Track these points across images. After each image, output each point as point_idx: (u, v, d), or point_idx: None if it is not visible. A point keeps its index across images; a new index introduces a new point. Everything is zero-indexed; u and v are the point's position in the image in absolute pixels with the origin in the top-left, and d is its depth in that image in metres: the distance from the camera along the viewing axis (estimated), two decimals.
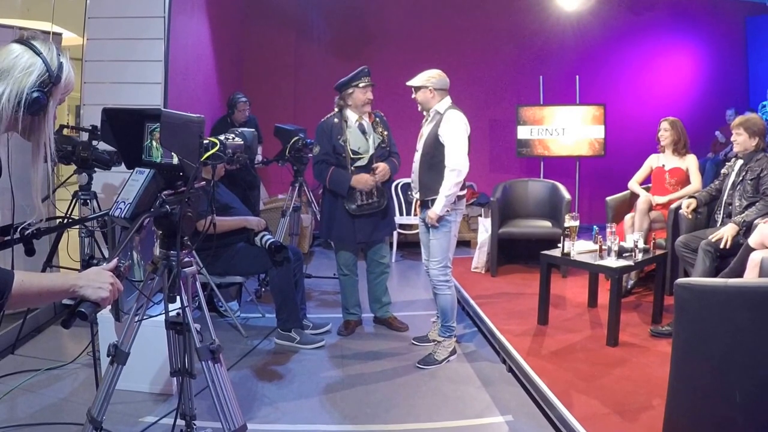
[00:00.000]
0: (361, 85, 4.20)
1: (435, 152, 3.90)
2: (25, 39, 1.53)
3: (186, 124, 2.07)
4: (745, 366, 2.33)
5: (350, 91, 4.24)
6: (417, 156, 4.05)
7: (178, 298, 2.21)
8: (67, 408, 3.15)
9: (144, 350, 2.67)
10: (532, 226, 5.77)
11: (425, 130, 4.00)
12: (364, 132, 4.28)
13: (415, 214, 4.34)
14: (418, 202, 4.12)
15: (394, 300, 4.76)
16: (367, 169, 4.26)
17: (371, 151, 4.27)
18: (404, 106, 4.59)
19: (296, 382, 3.66)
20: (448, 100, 3.96)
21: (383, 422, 3.18)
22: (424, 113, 4.05)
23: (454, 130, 3.85)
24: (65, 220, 3.22)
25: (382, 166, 4.24)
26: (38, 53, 1.51)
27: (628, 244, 4.11)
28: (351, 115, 4.28)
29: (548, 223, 5.70)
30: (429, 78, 3.91)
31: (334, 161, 4.28)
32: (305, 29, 8.12)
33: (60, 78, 1.54)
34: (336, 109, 4.35)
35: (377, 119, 4.37)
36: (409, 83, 3.97)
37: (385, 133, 4.35)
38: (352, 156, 4.24)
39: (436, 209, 3.83)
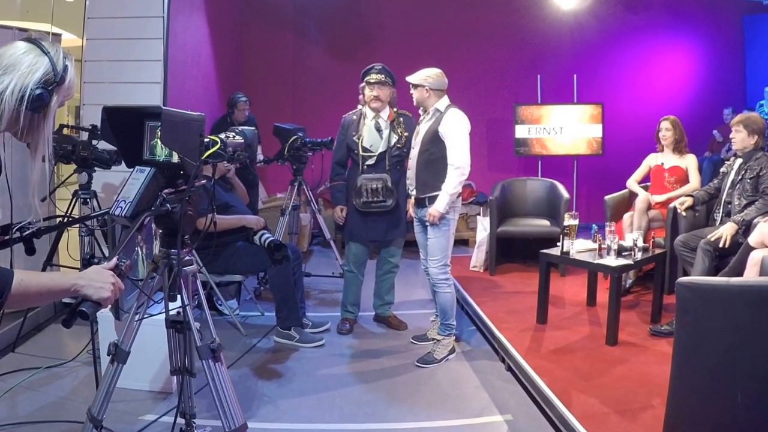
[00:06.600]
0: (371, 81, 4.20)
1: (434, 149, 3.90)
2: (33, 38, 1.55)
3: (187, 122, 2.07)
4: (746, 366, 2.33)
5: (362, 85, 4.28)
6: (413, 153, 4.04)
7: (178, 296, 2.22)
8: (68, 406, 3.15)
9: (144, 349, 2.67)
10: (530, 224, 5.78)
11: (422, 127, 4.00)
12: (379, 129, 4.26)
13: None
14: (412, 200, 4.12)
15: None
16: (379, 167, 4.26)
17: (382, 149, 4.24)
18: (401, 104, 4.58)
19: (296, 381, 3.66)
20: (446, 99, 3.96)
21: (382, 421, 3.19)
22: (420, 111, 4.06)
23: (457, 128, 3.85)
24: (65, 219, 3.22)
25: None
26: (46, 52, 1.53)
27: (628, 243, 4.11)
28: (368, 112, 4.29)
29: (546, 222, 5.71)
30: (427, 77, 3.90)
31: (345, 161, 4.39)
32: (303, 29, 8.12)
33: (64, 79, 1.55)
34: (360, 105, 4.39)
35: (400, 119, 4.33)
36: (408, 78, 3.96)
37: (406, 134, 4.29)
38: (362, 153, 4.25)
39: (439, 207, 3.82)
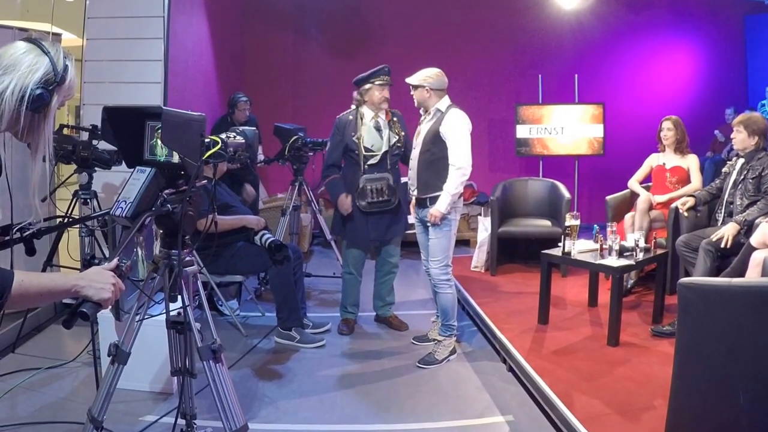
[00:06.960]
0: (378, 83, 4.20)
1: (435, 149, 3.89)
2: (33, 38, 1.55)
3: (187, 122, 2.06)
4: (748, 366, 2.32)
5: (367, 87, 4.25)
6: (415, 153, 4.04)
7: (179, 297, 2.21)
8: (68, 407, 3.15)
9: (144, 349, 2.67)
10: (531, 225, 5.77)
11: (423, 127, 3.99)
12: (379, 129, 4.26)
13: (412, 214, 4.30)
14: (414, 200, 4.12)
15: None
16: (381, 167, 4.26)
17: (384, 149, 4.25)
18: (402, 105, 4.58)
19: (296, 382, 3.65)
20: (447, 99, 3.96)
21: (383, 422, 3.18)
22: (421, 111, 4.05)
23: (458, 128, 3.84)
24: (66, 220, 3.21)
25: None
26: (46, 52, 1.52)
27: (629, 243, 4.10)
28: (367, 112, 4.28)
29: (548, 222, 5.70)
30: (426, 77, 3.90)
31: (339, 162, 4.34)
32: (303, 28, 8.11)
33: (65, 79, 1.55)
34: (353, 106, 4.36)
35: (395, 118, 4.35)
36: (407, 80, 3.96)
37: (402, 133, 4.33)
38: (364, 153, 4.24)
39: (441, 207, 3.82)
